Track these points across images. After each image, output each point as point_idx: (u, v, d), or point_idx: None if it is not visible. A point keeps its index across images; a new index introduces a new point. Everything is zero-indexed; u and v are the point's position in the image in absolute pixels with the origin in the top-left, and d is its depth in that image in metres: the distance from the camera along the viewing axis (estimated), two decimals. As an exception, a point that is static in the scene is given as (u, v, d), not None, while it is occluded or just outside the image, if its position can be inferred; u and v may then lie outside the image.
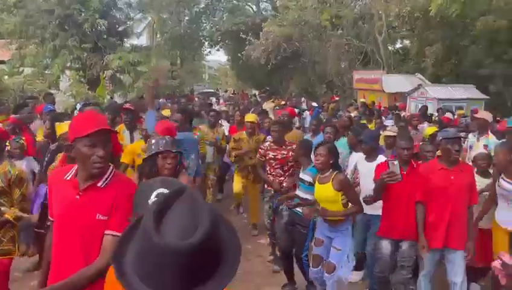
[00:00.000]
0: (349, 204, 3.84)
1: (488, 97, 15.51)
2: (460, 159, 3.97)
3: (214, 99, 20.39)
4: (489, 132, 5.94)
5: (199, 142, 5.56)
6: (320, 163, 3.80)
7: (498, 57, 16.55)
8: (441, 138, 3.75)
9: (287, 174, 5.00)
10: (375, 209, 4.10)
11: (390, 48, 25.11)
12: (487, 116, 6.19)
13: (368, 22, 23.57)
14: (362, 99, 15.74)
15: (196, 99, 17.89)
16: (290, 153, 4.87)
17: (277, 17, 25.33)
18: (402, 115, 10.77)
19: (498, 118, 9.08)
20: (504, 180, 3.81)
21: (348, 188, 3.84)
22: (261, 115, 7.69)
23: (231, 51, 32.02)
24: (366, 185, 4.22)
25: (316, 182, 3.92)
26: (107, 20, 17.55)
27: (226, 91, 32.26)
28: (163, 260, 1.04)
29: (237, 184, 6.47)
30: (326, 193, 3.80)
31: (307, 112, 11.90)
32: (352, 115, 9.27)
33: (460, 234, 3.67)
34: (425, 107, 12.17)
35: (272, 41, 23.26)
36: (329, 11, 22.95)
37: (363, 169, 4.48)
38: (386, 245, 3.83)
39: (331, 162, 3.81)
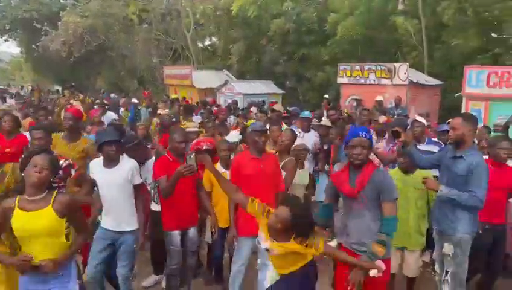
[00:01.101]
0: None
1: (284, 92, 17.47)
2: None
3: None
4: (282, 123, 6.66)
5: None
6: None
7: (290, 56, 18.81)
8: (250, 130, 3.97)
9: None
10: None
11: (199, 44, 25.91)
12: (280, 108, 6.94)
13: (176, 18, 23.76)
14: (174, 95, 15.75)
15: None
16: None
17: (77, 7, 23.25)
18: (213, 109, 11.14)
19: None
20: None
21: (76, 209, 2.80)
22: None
23: (24, 41, 28.05)
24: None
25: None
26: None
27: (21, 87, 28.10)
28: None
29: None
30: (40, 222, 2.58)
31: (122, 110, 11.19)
32: (163, 112, 9.07)
33: None
34: (235, 102, 13.02)
35: (73, 33, 21.26)
36: (135, 4, 22.24)
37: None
38: (176, 237, 3.93)
39: (51, 179, 2.69)
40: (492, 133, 7.07)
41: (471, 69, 9.96)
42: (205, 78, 17.67)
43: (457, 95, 10.66)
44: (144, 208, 3.94)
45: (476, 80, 9.72)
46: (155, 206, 4.32)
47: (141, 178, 3.89)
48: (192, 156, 3.73)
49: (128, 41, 23.67)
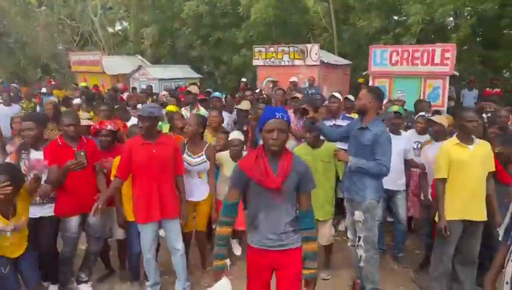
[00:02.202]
0: None
1: (201, 76, 17.21)
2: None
3: None
4: (198, 105, 6.57)
5: None
6: None
7: (205, 39, 18.51)
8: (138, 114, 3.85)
9: None
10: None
11: (109, 29, 24.50)
12: (196, 91, 6.82)
13: (81, 1, 22.16)
14: (83, 83, 14.77)
15: None
16: None
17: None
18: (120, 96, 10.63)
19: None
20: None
21: None
22: None
23: None
24: None
25: None
26: None
27: None
28: None
29: None
30: None
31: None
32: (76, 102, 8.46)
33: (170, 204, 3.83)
34: (150, 87, 12.62)
35: (-41, 17, 18.92)
36: (32, -15, 20.36)
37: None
38: (75, 223, 3.89)
39: None
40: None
41: (376, 49, 10.58)
42: (117, 64, 16.82)
43: (364, 73, 11.28)
44: None
45: (380, 59, 10.36)
46: None
47: None
48: (82, 153, 3.65)
49: (27, 27, 21.64)
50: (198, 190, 4.26)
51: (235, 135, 4.58)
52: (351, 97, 5.92)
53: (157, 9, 19.46)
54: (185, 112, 6.43)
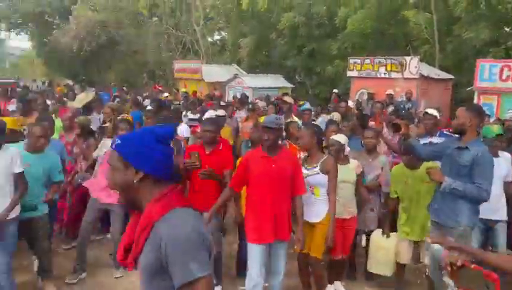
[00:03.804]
0: None
1: (293, 86, 17.44)
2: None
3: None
4: (292, 115, 6.71)
5: None
6: None
7: (300, 50, 18.75)
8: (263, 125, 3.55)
9: None
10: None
11: (209, 39, 25.94)
12: (291, 100, 6.96)
13: (186, 13, 23.78)
14: (184, 89, 15.84)
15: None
16: None
17: (88, 0, 23.37)
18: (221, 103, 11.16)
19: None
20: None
21: None
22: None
23: (35, 35, 28.25)
24: None
25: None
26: None
27: (34, 81, 28.30)
28: None
29: None
30: None
31: None
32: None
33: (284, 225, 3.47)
34: (244, 95, 13.02)
35: (84, 27, 21.39)
36: (145, -1, 22.34)
37: None
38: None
39: None
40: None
41: (484, 63, 9.86)
42: (214, 72, 17.73)
43: (469, 89, 10.56)
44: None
45: (489, 74, 9.63)
46: None
47: None
48: (196, 155, 3.88)
49: (138, 36, 23.77)
50: (313, 209, 3.69)
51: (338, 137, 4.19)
52: (433, 111, 5.39)
53: (256, 20, 20.17)
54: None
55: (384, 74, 12.66)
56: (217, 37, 27.98)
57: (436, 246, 3.12)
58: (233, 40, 22.38)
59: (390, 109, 6.65)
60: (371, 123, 5.81)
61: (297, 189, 3.48)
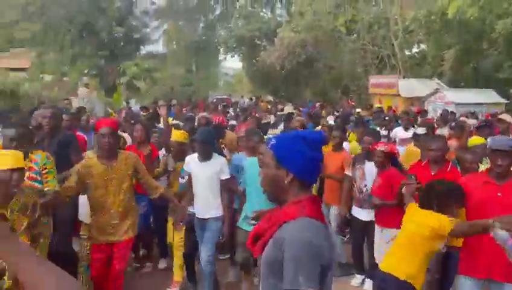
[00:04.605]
0: None
1: (508, 101, 15.19)
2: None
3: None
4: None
5: None
6: None
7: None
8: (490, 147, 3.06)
9: None
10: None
11: (406, 52, 24.88)
12: (510, 119, 6.07)
13: (383, 27, 23.40)
14: (378, 104, 15.58)
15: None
16: None
17: (291, 22, 25.32)
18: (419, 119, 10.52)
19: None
20: None
21: None
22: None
23: (246, 57, 32.15)
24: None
25: None
26: (124, 28, 17.89)
27: (241, 97, 32.20)
28: None
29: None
30: None
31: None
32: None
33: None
34: (446, 111, 11.95)
35: (286, 47, 23.28)
36: (344, 16, 22.85)
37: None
38: None
39: None
40: None
41: None
42: (412, 87, 16.92)
43: None
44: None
45: None
46: None
47: None
48: (413, 177, 3.64)
49: (335, 52, 24.54)
50: None
51: None
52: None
53: (463, 30, 18.41)
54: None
55: None
56: (415, 50, 26.60)
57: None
58: (434, 52, 20.91)
59: None
60: None
61: None
